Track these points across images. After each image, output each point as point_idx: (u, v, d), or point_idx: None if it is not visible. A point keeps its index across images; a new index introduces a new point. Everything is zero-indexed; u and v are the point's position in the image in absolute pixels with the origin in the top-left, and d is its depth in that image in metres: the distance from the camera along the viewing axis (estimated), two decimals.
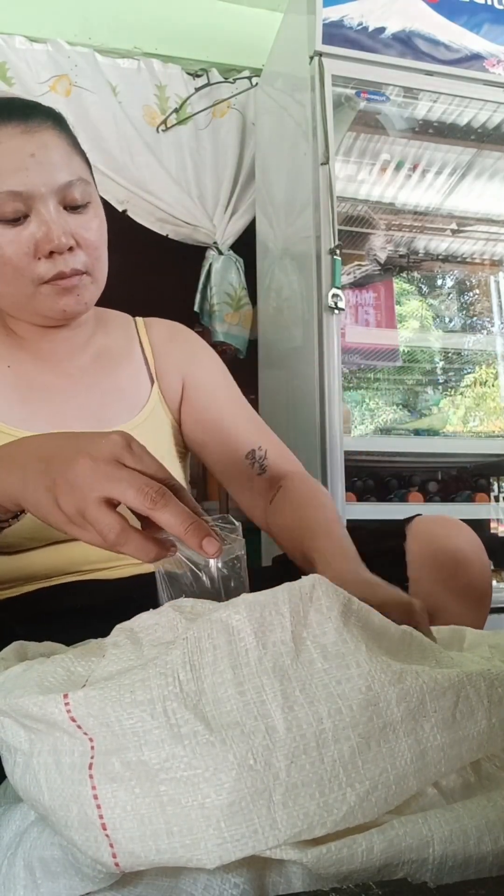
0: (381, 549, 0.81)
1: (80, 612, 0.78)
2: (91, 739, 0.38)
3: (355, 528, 0.94)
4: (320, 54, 1.65)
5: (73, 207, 0.79)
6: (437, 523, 0.83)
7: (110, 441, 0.52)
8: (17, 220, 0.75)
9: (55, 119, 0.80)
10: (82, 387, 0.88)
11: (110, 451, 0.51)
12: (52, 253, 0.76)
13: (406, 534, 0.81)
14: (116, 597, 0.81)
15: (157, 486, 0.49)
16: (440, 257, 2.15)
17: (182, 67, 2.18)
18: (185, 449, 0.97)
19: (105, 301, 0.98)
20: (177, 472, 0.92)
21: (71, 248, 0.78)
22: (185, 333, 1.00)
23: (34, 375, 0.87)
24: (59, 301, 0.80)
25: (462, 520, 0.84)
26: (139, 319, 0.99)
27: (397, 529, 0.83)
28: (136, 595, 0.82)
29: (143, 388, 0.92)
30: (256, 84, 2.17)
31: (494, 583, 1.80)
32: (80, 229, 0.79)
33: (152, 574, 0.87)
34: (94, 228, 0.81)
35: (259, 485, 0.90)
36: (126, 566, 0.87)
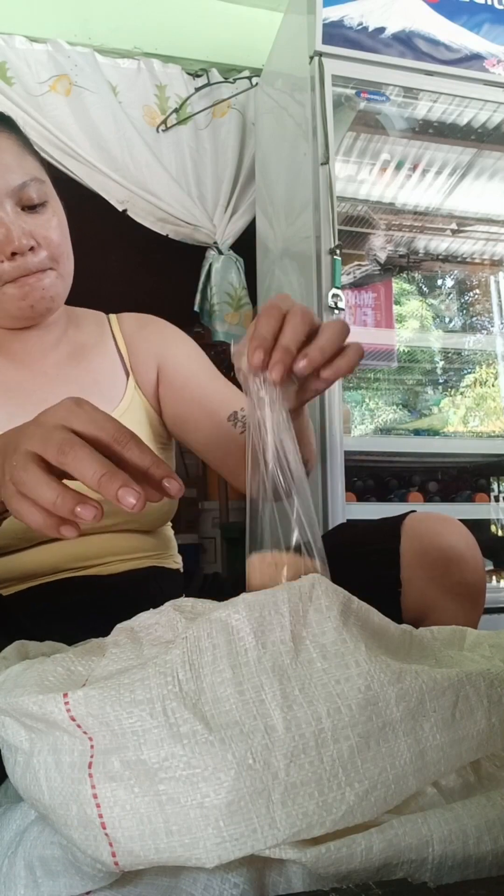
0: (376, 549, 0.80)
1: (75, 608, 0.79)
2: (91, 738, 0.38)
3: (348, 526, 0.94)
4: (320, 54, 1.64)
5: (30, 207, 0.80)
6: (428, 520, 0.82)
7: (59, 406, 0.50)
8: None
9: (4, 122, 0.81)
10: (58, 383, 0.89)
11: (58, 417, 0.49)
12: (13, 254, 0.78)
13: (400, 533, 0.81)
14: (110, 593, 0.82)
15: (66, 436, 0.47)
16: (440, 257, 2.15)
17: (182, 67, 2.18)
18: (167, 440, 0.98)
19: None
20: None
21: (32, 248, 0.79)
22: (154, 321, 1.00)
23: (9, 376, 0.87)
24: (25, 299, 0.81)
25: (462, 520, 0.83)
26: (112, 316, 0.99)
27: (392, 529, 0.82)
28: (131, 591, 0.83)
29: (118, 382, 0.93)
30: (256, 84, 2.17)
31: (494, 582, 1.79)
32: (39, 229, 0.80)
33: (144, 570, 0.88)
34: (53, 227, 0.81)
35: (243, 443, 0.91)
36: (115, 563, 0.87)
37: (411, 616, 0.77)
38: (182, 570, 0.99)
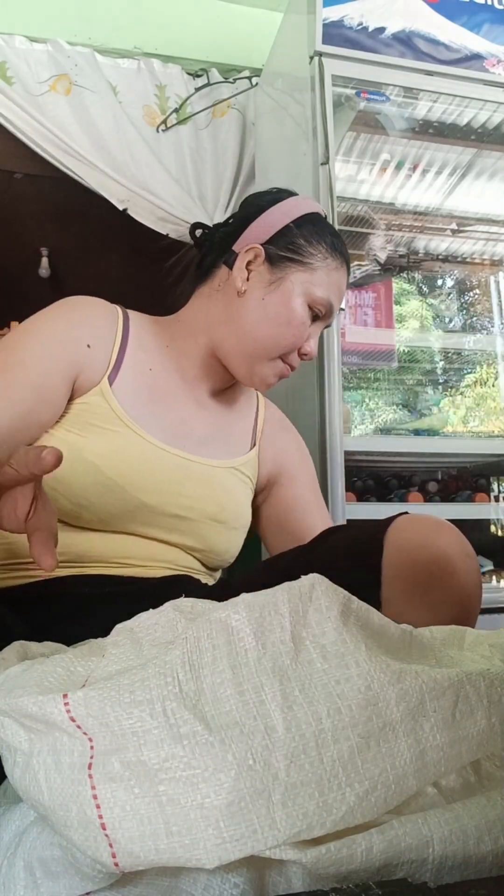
0: (356, 566, 0.74)
1: (98, 601, 0.79)
2: (90, 739, 0.38)
3: (328, 537, 0.89)
4: (320, 54, 1.64)
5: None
6: (415, 528, 0.76)
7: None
8: (314, 320, 0.95)
9: (348, 261, 0.99)
10: (202, 414, 0.97)
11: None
12: (304, 355, 0.95)
13: (383, 547, 0.75)
14: (138, 593, 0.82)
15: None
16: (440, 257, 2.14)
17: (182, 67, 2.18)
18: (253, 503, 1.06)
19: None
20: (248, 519, 1.01)
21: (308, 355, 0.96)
22: (292, 428, 1.14)
23: (169, 386, 0.94)
24: (272, 378, 0.96)
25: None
26: (260, 395, 1.12)
27: (374, 542, 0.76)
28: (160, 595, 0.83)
29: (245, 444, 1.03)
30: (256, 84, 2.16)
31: (494, 582, 1.79)
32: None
33: (177, 577, 0.88)
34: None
35: None
36: (158, 568, 0.88)
37: None
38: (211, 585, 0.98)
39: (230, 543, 0.96)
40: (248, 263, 0.94)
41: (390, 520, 0.78)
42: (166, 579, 0.87)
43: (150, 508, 0.85)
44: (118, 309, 0.95)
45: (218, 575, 1.02)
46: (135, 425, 0.87)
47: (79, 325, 0.88)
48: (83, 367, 0.86)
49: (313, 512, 1.05)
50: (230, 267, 0.95)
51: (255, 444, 1.04)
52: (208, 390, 1.00)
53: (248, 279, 0.94)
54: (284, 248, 0.94)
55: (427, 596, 0.71)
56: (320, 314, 0.95)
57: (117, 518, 0.84)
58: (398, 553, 0.74)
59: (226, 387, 1.02)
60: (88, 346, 0.87)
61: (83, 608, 0.77)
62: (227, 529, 0.94)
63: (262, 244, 0.94)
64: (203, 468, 0.92)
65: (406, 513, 0.80)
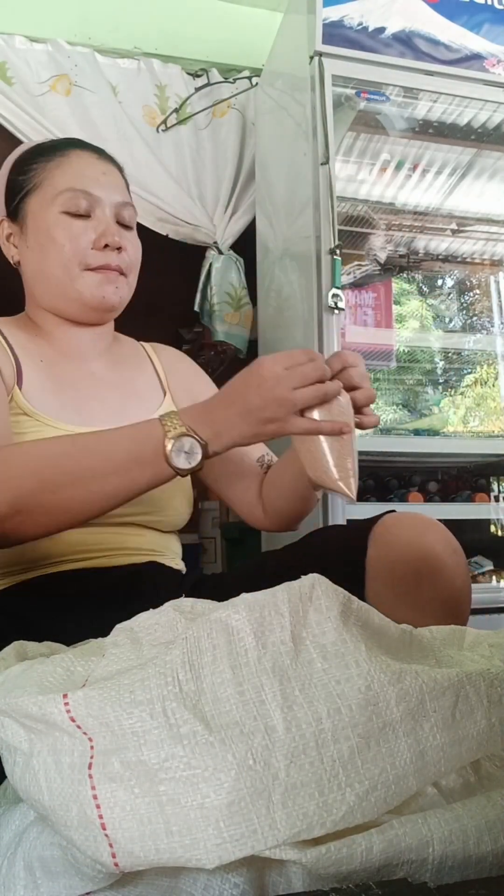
0: (342, 561, 0.74)
1: (69, 600, 0.79)
2: (90, 739, 0.38)
3: (317, 535, 0.90)
4: (320, 54, 1.64)
5: (123, 225, 0.95)
6: (402, 526, 0.75)
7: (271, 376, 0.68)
8: (81, 216, 0.91)
9: (117, 165, 1.02)
10: (103, 385, 0.96)
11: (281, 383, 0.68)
12: (105, 246, 0.90)
13: (367, 545, 0.74)
14: (106, 585, 0.82)
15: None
16: (440, 257, 2.14)
17: (182, 67, 2.18)
18: None
19: None
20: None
21: (119, 249, 0.92)
22: (188, 359, 1.13)
23: (62, 370, 0.95)
24: (100, 288, 0.91)
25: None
26: (144, 343, 1.10)
27: (359, 540, 0.75)
28: (126, 585, 0.83)
29: (156, 396, 1.02)
30: (256, 84, 2.16)
31: (494, 582, 1.79)
32: (126, 241, 0.94)
33: (142, 565, 0.88)
34: (136, 247, 0.97)
35: (263, 479, 1.01)
36: (119, 556, 0.88)
37: None
38: (184, 573, 0.99)
39: (173, 497, 0.94)
40: (8, 238, 0.97)
41: (377, 517, 0.78)
42: (131, 568, 0.87)
43: None
44: None
45: (178, 551, 1.00)
46: (48, 419, 0.87)
47: None
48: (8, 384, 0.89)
49: None
50: None
51: (165, 390, 1.03)
52: (94, 358, 0.98)
53: (16, 248, 0.97)
54: (12, 198, 0.96)
55: (414, 594, 0.70)
56: (81, 207, 0.91)
57: None
58: (384, 550, 0.73)
59: (104, 346, 1.00)
60: None
61: (57, 612, 0.78)
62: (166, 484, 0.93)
63: (4, 216, 0.97)
64: None
65: (393, 511, 0.79)
